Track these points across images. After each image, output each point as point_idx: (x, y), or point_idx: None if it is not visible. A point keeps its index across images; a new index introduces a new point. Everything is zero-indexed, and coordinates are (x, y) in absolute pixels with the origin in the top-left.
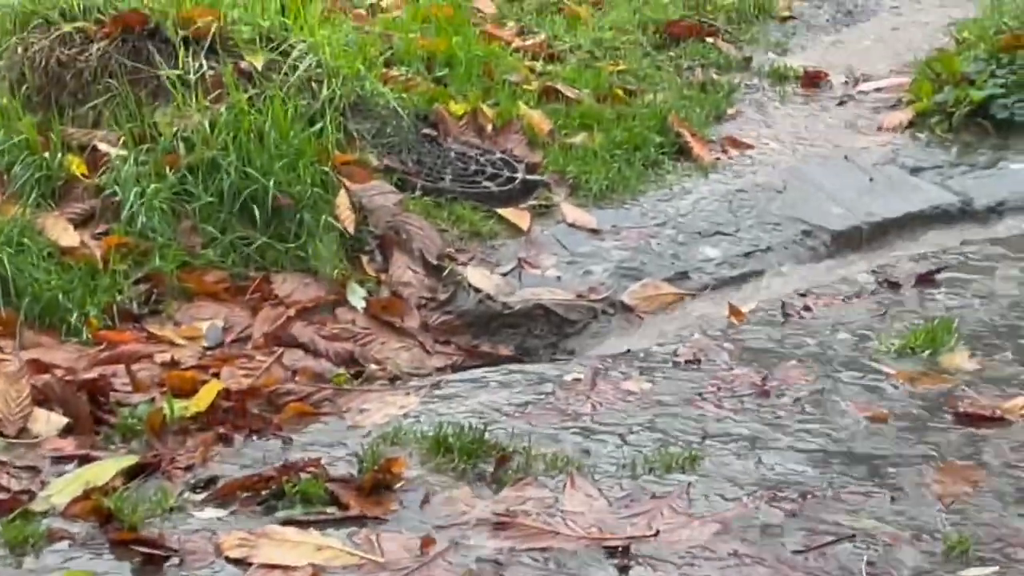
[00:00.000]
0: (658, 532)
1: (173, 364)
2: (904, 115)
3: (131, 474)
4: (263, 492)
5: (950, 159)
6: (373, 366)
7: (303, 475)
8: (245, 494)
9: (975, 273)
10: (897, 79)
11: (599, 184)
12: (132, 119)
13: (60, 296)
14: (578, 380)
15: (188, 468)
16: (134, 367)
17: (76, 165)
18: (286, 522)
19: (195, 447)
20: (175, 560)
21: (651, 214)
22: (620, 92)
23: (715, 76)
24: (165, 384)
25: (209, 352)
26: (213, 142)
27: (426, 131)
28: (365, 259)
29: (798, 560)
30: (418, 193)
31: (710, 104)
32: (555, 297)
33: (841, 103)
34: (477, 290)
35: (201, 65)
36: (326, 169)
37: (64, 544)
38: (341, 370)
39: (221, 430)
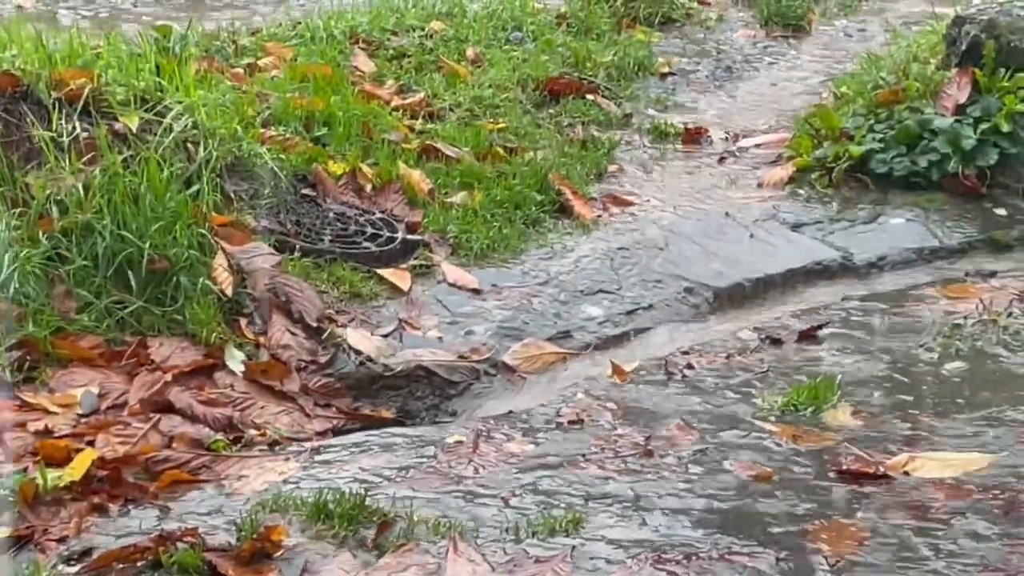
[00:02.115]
0: None
1: (47, 432)
2: (784, 171)
3: (3, 547)
4: (139, 563)
5: (830, 214)
6: (252, 431)
7: (180, 545)
8: (121, 565)
9: (857, 329)
10: (777, 135)
11: (480, 243)
12: (4, 182)
13: None
14: (460, 443)
15: (62, 540)
16: (6, 436)
17: None
18: None
19: (69, 518)
20: None
21: (532, 273)
22: (500, 150)
23: (595, 133)
24: (38, 453)
25: (84, 419)
26: (87, 205)
27: (305, 191)
28: (243, 322)
29: None
30: (297, 254)
31: (591, 161)
32: (436, 358)
33: (721, 159)
34: (357, 352)
35: (74, 127)
36: (203, 231)
37: None
38: (219, 436)
39: (96, 500)
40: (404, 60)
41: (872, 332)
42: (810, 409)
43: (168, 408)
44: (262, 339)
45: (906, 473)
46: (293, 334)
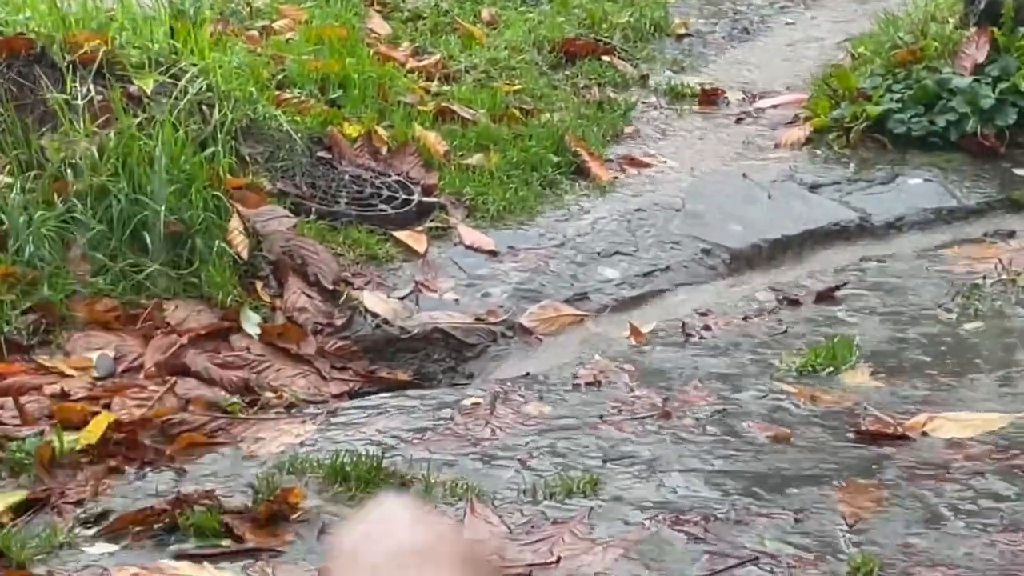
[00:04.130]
0: (559, 559)
1: (63, 396)
2: (801, 131)
3: (20, 510)
4: (156, 526)
5: (848, 175)
6: (268, 394)
7: (197, 507)
8: (137, 528)
9: (875, 289)
10: (794, 95)
11: (496, 205)
12: (18, 146)
13: None
14: (477, 405)
15: (79, 502)
16: (22, 399)
17: None
18: (179, 556)
19: (86, 480)
20: None
21: (549, 235)
22: (516, 112)
23: (612, 95)
24: (54, 416)
25: (100, 383)
26: (102, 168)
27: (320, 154)
28: (259, 285)
29: None
30: (313, 217)
31: (607, 123)
32: (453, 320)
33: (738, 120)
34: (374, 315)
35: (89, 90)
36: (218, 194)
37: None
38: (236, 398)
39: (112, 463)
40: (419, 22)
41: (890, 293)
42: (828, 370)
43: (184, 371)
44: (278, 302)
45: (925, 433)
46: (309, 297)
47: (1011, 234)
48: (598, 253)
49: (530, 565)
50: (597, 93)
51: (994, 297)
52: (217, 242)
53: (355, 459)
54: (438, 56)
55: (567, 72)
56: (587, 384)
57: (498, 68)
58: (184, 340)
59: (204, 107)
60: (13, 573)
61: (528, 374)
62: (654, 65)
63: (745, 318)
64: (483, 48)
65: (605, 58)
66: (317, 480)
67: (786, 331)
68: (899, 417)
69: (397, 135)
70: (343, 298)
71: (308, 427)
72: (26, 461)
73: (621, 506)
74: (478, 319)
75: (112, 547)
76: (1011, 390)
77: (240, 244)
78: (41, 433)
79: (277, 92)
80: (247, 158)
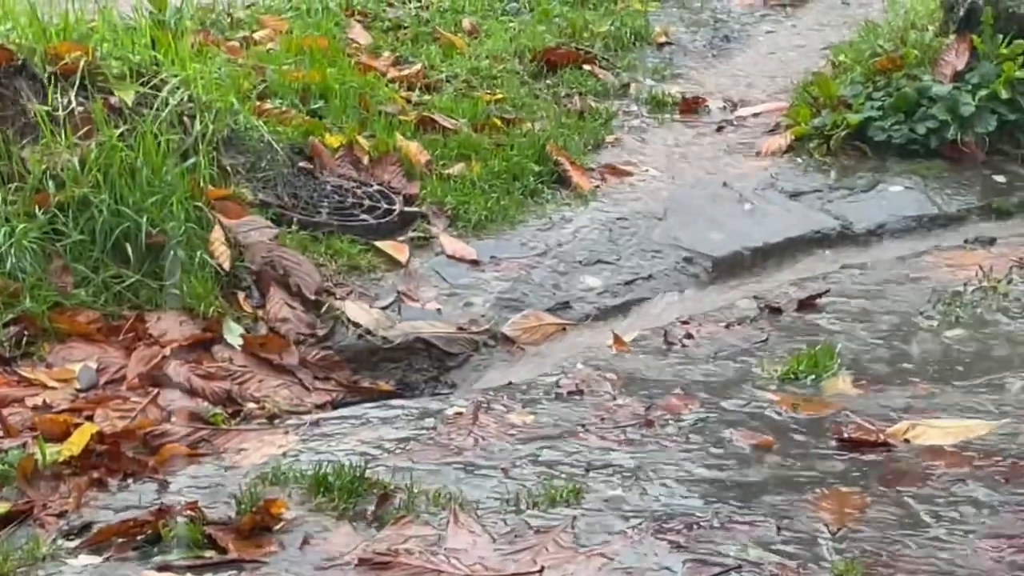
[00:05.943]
0: (543, 568)
1: (45, 407)
2: (782, 139)
3: (2, 522)
4: (139, 537)
5: (829, 183)
6: (251, 405)
7: (180, 519)
8: (120, 540)
9: (856, 297)
10: (775, 104)
11: (478, 215)
12: (0, 157)
13: None
14: (460, 414)
15: (61, 514)
16: (5, 411)
17: None
18: (162, 568)
19: (68, 493)
20: None
21: (531, 244)
22: (498, 121)
23: (593, 104)
24: (37, 428)
25: (82, 394)
26: (83, 179)
27: (302, 164)
28: (241, 296)
29: None
30: (294, 227)
31: (588, 132)
32: (436, 330)
33: (720, 129)
34: (356, 325)
35: (70, 101)
36: (200, 205)
37: None
38: (218, 409)
39: (95, 474)
40: (400, 32)
41: (871, 300)
42: (810, 377)
43: (167, 382)
44: (260, 312)
45: (907, 441)
46: (291, 307)
47: (991, 241)
48: (580, 262)
49: (513, 574)
50: (578, 102)
51: (975, 304)
52: (199, 253)
53: (338, 469)
54: (419, 66)
55: (548, 81)
56: (570, 393)
57: (479, 78)
58: (166, 351)
59: (185, 118)
60: None
61: (511, 383)
62: (635, 74)
63: (727, 326)
64: (464, 58)
65: (586, 67)
66: (300, 491)
67: (768, 339)
68: (881, 424)
69: (378, 145)
70: (325, 308)
71: (291, 438)
72: (9, 473)
73: (604, 515)
74: (460, 329)
75: (95, 559)
76: (992, 397)
77: (222, 255)
78: (23, 445)
79: (258, 103)
80: (228, 169)
